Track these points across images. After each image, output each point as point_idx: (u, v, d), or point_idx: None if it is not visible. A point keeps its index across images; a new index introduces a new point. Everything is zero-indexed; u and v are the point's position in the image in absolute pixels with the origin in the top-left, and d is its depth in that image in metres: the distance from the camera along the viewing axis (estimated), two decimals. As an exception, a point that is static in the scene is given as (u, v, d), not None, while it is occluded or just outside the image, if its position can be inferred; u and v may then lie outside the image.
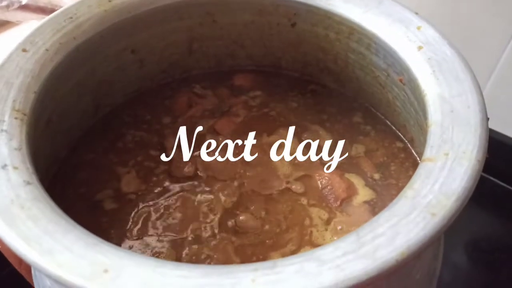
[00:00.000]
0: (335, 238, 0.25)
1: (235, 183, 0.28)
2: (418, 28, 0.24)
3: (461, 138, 0.19)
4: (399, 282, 0.21)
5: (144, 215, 0.26)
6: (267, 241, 0.25)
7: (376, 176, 0.28)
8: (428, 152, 0.19)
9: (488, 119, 0.20)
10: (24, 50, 0.23)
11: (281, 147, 0.30)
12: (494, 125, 0.43)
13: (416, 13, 0.25)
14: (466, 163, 0.18)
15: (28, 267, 0.28)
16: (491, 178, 0.47)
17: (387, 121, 0.30)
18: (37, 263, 0.16)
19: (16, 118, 0.21)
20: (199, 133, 0.30)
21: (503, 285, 0.41)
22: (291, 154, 0.29)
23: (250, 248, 0.24)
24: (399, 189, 0.26)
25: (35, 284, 0.25)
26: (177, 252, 0.25)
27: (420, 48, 0.24)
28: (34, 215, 0.17)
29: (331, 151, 0.29)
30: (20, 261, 0.28)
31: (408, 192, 0.18)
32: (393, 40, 0.25)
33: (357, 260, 0.16)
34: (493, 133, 0.45)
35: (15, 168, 0.19)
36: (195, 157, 0.29)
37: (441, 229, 0.17)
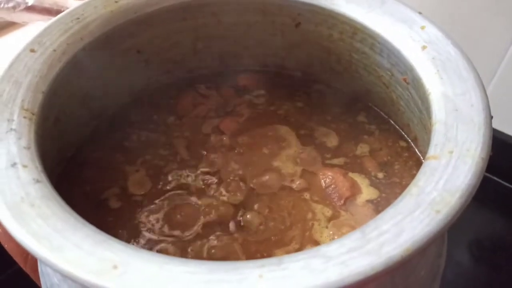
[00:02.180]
0: (336, 236, 0.25)
1: (240, 182, 0.28)
2: (422, 27, 0.25)
3: (465, 136, 0.20)
4: (404, 279, 0.21)
5: (150, 214, 0.26)
6: (272, 237, 0.25)
7: (380, 175, 0.28)
8: (432, 150, 0.20)
9: (492, 117, 0.21)
10: (32, 51, 0.24)
11: (285, 146, 0.30)
12: (497, 125, 0.43)
13: (420, 13, 0.25)
14: (470, 161, 0.19)
15: (33, 265, 0.28)
16: (495, 178, 0.47)
17: (391, 121, 0.30)
18: (47, 259, 0.16)
19: (24, 117, 0.21)
20: (204, 132, 0.31)
21: (506, 284, 0.41)
22: (295, 153, 0.29)
23: (255, 246, 0.25)
24: (402, 188, 0.27)
25: (42, 282, 0.25)
26: (183, 250, 0.25)
27: (424, 47, 0.24)
28: (43, 213, 0.18)
29: (335, 150, 0.29)
30: (26, 259, 0.28)
31: (413, 190, 0.18)
32: (397, 40, 0.25)
33: (362, 257, 0.16)
34: (497, 133, 0.46)
35: (24, 166, 0.19)
36: (200, 157, 0.29)
37: (445, 226, 0.17)
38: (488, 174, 0.46)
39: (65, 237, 0.17)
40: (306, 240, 0.25)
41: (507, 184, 0.47)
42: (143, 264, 0.16)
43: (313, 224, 0.25)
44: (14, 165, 0.19)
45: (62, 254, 0.16)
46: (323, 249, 0.16)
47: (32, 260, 0.27)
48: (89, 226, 0.18)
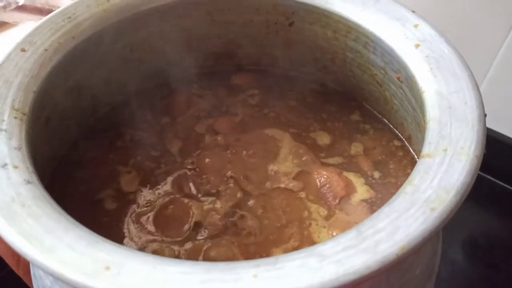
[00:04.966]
0: (331, 235, 0.25)
1: (235, 183, 0.28)
2: (415, 26, 0.25)
3: (459, 134, 0.20)
4: (400, 277, 0.21)
5: (144, 215, 0.26)
6: (269, 236, 0.25)
7: (374, 174, 0.28)
8: (426, 148, 0.20)
9: (485, 115, 0.21)
10: (23, 50, 0.23)
11: (280, 146, 0.30)
12: (491, 125, 0.43)
13: (413, 11, 0.25)
14: (464, 159, 0.19)
15: (26, 268, 0.28)
16: (489, 177, 0.47)
17: (385, 119, 0.30)
18: (39, 261, 0.16)
19: (15, 117, 0.21)
20: (198, 132, 0.31)
21: (501, 282, 0.42)
22: (290, 153, 0.29)
23: (252, 246, 0.25)
24: (397, 187, 0.27)
25: (34, 285, 0.25)
26: (177, 252, 0.25)
27: (417, 45, 0.24)
28: (35, 214, 0.17)
29: (329, 150, 0.29)
30: (18, 262, 0.28)
31: (408, 188, 0.18)
32: (391, 38, 0.25)
33: (358, 255, 0.16)
34: (491, 132, 0.46)
35: (15, 167, 0.19)
36: (195, 157, 0.29)
37: (440, 224, 0.17)
38: (482, 173, 0.46)
39: (57, 237, 0.17)
40: (304, 239, 0.25)
41: (501, 183, 0.47)
42: (137, 265, 0.16)
43: (310, 224, 0.25)
44: (4, 165, 0.19)
45: (53, 255, 0.16)
46: (318, 247, 0.16)
47: (25, 263, 0.27)
48: (81, 227, 0.17)
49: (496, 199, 0.47)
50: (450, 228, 0.27)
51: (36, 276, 0.24)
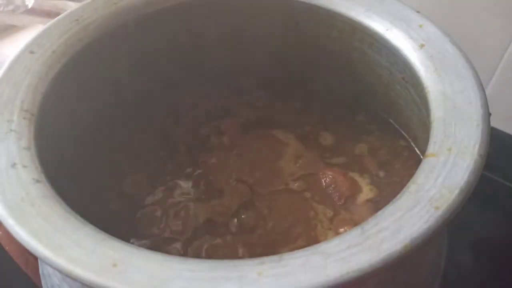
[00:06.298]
0: (336, 235, 0.25)
1: (240, 183, 0.28)
2: (420, 26, 0.25)
3: (464, 133, 0.20)
4: (405, 277, 0.21)
5: (149, 215, 0.26)
6: (275, 237, 0.25)
7: (380, 174, 0.28)
8: (431, 148, 0.20)
9: (490, 114, 0.21)
10: (31, 52, 0.24)
11: (285, 146, 0.30)
12: (498, 124, 0.43)
13: (418, 12, 0.25)
14: (469, 158, 0.19)
15: (34, 267, 0.28)
16: (495, 177, 0.47)
17: (390, 120, 0.30)
18: (48, 258, 0.16)
19: (24, 118, 0.21)
20: (203, 134, 0.31)
21: (507, 284, 0.41)
22: (295, 153, 0.29)
23: (259, 247, 0.25)
24: (402, 187, 0.27)
25: (43, 284, 0.25)
26: (183, 252, 0.25)
27: (422, 46, 0.24)
28: (44, 212, 0.18)
29: (335, 150, 0.29)
30: (27, 261, 0.28)
31: (412, 187, 0.18)
32: (395, 39, 0.25)
33: (362, 253, 0.16)
34: (498, 132, 0.45)
35: (25, 166, 0.19)
36: (200, 158, 0.29)
37: (444, 222, 0.17)
38: (489, 174, 0.46)
39: (66, 236, 0.17)
40: (311, 239, 0.25)
41: (508, 184, 0.47)
42: (143, 262, 0.16)
43: (316, 224, 0.25)
44: (14, 165, 0.19)
45: (62, 253, 0.16)
46: (322, 245, 0.16)
47: (33, 262, 0.27)
48: (89, 225, 0.18)
49: (503, 200, 0.47)
50: (457, 230, 0.27)
51: (45, 275, 0.24)
